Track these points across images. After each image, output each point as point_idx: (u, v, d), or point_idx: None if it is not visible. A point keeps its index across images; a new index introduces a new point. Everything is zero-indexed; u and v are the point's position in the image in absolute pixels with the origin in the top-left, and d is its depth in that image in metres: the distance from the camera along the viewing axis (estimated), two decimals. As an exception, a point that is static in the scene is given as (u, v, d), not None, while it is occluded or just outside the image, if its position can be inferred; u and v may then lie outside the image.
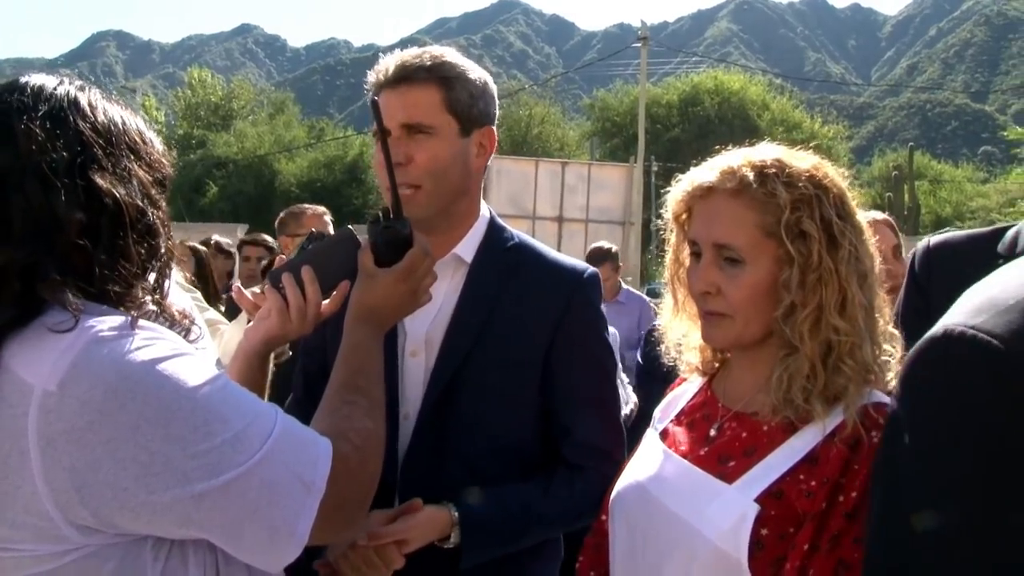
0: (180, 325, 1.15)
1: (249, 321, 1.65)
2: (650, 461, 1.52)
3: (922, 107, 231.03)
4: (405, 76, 1.61)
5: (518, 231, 1.82)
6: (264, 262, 5.14)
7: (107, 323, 1.03)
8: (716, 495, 1.35)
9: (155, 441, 0.99)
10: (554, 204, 14.60)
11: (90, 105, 1.13)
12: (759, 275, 1.38)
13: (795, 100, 48.79)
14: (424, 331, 1.68)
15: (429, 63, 1.62)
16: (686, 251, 1.51)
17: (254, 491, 1.05)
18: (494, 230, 1.77)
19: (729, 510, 1.32)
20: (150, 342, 1.04)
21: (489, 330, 1.66)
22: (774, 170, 1.37)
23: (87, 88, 1.16)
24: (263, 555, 1.10)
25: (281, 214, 4.42)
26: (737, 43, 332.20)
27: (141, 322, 1.06)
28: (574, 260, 1.82)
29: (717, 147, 1.48)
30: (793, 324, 1.35)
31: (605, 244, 5.78)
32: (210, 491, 1.02)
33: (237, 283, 1.72)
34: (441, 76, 1.62)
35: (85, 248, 1.05)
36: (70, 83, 1.15)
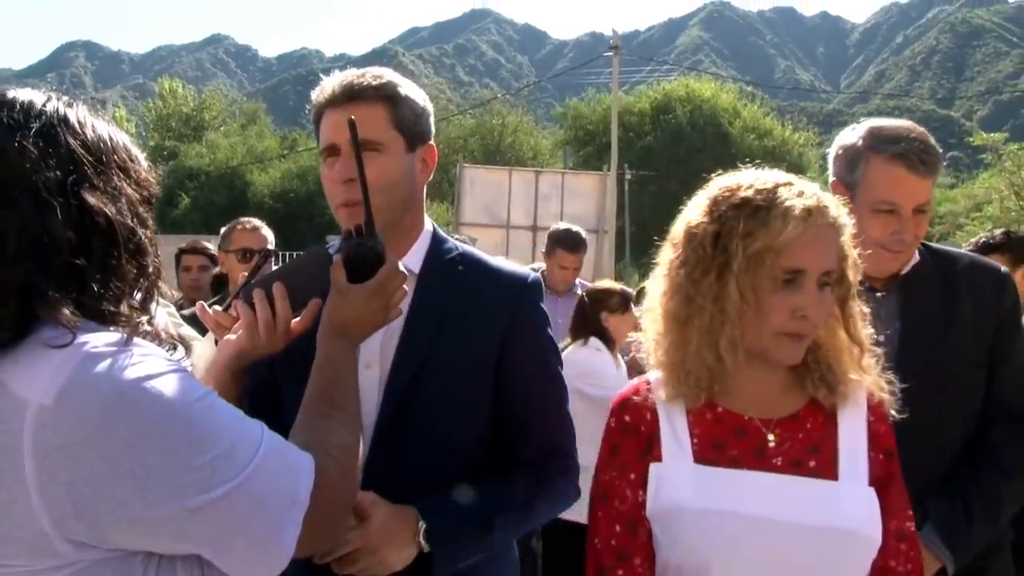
0: (166, 344, 1.16)
1: (216, 340, 1.64)
2: (731, 489, 1.49)
3: (890, 113, 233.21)
4: (352, 95, 1.65)
5: (458, 241, 1.88)
6: (212, 272, 5.03)
7: (102, 339, 1.04)
8: (836, 493, 1.49)
9: (151, 456, 1.00)
10: (528, 213, 14.66)
11: (79, 122, 1.13)
12: (831, 295, 1.52)
13: (766, 107, 49.23)
14: (377, 344, 1.68)
15: (375, 83, 1.67)
16: (750, 275, 1.47)
17: (244, 505, 1.07)
18: (437, 241, 1.80)
19: (858, 501, 1.48)
20: (143, 358, 1.05)
21: (440, 339, 1.69)
22: (831, 199, 1.54)
23: (75, 104, 1.16)
24: (251, 568, 1.12)
25: (222, 229, 4.41)
26: (708, 51, 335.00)
27: (132, 339, 1.07)
28: (516, 266, 1.88)
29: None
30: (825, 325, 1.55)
31: (575, 227, 5.11)
32: (204, 506, 1.03)
33: (201, 302, 1.72)
34: (387, 95, 1.67)
35: (79, 267, 1.05)
36: (58, 99, 1.15)
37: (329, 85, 1.69)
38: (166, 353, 1.12)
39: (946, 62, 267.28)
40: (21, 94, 1.12)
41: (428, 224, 1.82)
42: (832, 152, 2.18)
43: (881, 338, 1.91)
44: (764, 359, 1.53)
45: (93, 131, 1.14)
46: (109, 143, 1.16)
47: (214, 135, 49.34)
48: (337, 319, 1.42)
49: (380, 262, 1.43)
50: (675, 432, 1.56)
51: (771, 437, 1.53)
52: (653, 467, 1.55)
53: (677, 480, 1.52)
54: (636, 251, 41.39)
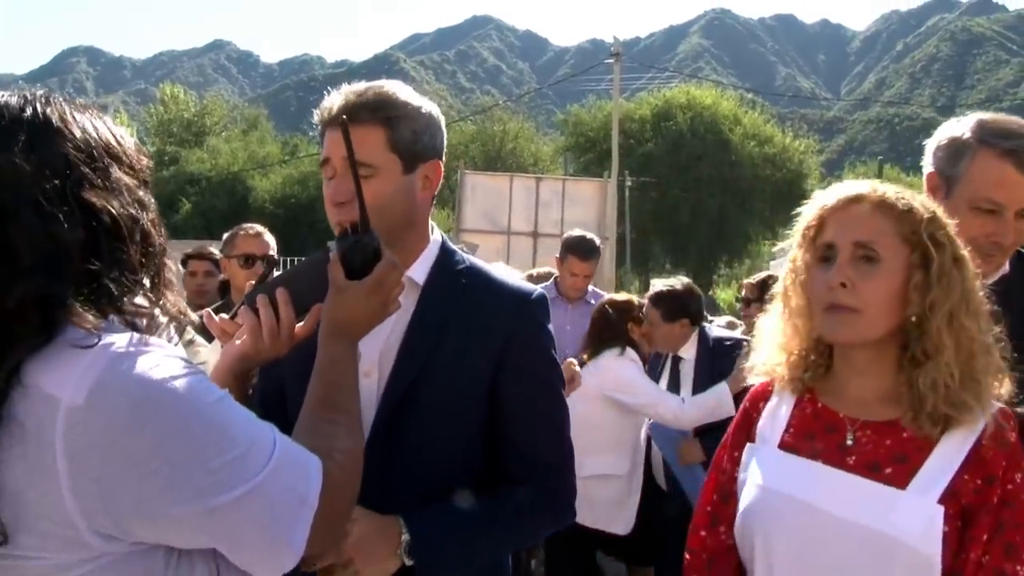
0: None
1: (222, 345, 1.64)
2: (794, 474, 1.59)
3: (890, 121, 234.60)
4: (348, 116, 1.59)
5: (466, 253, 1.86)
6: (218, 277, 5.03)
7: (125, 340, 1.07)
8: (896, 501, 1.47)
9: (175, 456, 1.04)
10: (529, 219, 14.68)
11: (63, 120, 1.12)
12: (892, 274, 1.51)
13: (766, 114, 49.13)
14: (378, 351, 1.68)
15: (372, 102, 1.63)
16: (807, 258, 1.63)
17: (259, 505, 1.10)
18: (446, 253, 1.78)
19: (917, 514, 1.44)
20: (164, 360, 1.08)
21: (439, 351, 1.67)
22: (909, 194, 1.57)
23: (52, 100, 1.15)
24: (263, 564, 1.15)
25: (225, 235, 4.41)
26: (708, 58, 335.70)
27: (151, 339, 1.10)
28: (522, 282, 1.85)
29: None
30: (929, 327, 1.50)
31: (588, 234, 5.02)
32: (222, 505, 1.06)
33: (208, 310, 1.72)
34: (385, 116, 1.63)
35: (92, 269, 1.07)
36: (34, 99, 1.13)
37: (329, 103, 1.66)
38: (182, 350, 1.15)
39: (946, 70, 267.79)
40: (2, 103, 1.11)
41: (437, 235, 1.80)
42: (932, 143, 2.04)
43: None
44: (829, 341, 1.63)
45: (79, 128, 1.14)
46: (96, 135, 1.15)
47: (215, 140, 49.39)
48: (337, 318, 1.42)
49: (377, 257, 1.43)
50: (775, 420, 1.69)
51: (849, 436, 1.57)
52: (748, 447, 1.71)
53: (756, 460, 1.67)
54: (636, 258, 41.42)
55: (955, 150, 1.95)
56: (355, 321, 1.43)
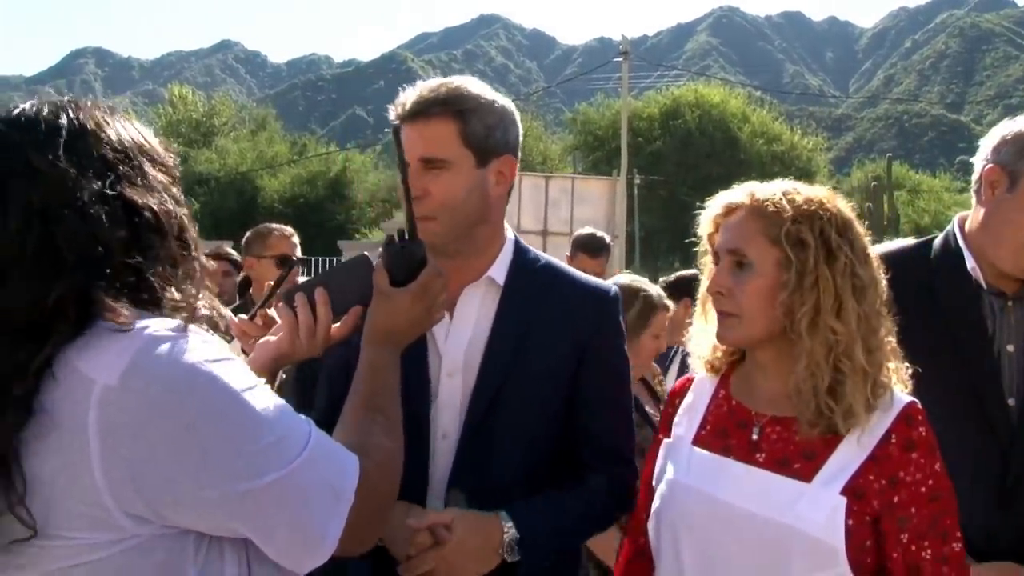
0: (212, 320, 1.21)
1: (243, 348, 1.65)
2: (703, 470, 1.63)
3: (899, 118, 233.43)
4: (421, 111, 1.63)
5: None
6: (235, 278, 4.99)
7: (162, 324, 1.09)
8: (800, 494, 1.50)
9: (208, 438, 1.06)
10: (538, 218, 14.66)
11: (97, 124, 1.17)
12: (763, 277, 1.56)
13: (774, 112, 48.94)
14: (461, 353, 1.72)
15: (444, 96, 1.64)
16: (712, 265, 1.68)
17: (292, 494, 1.11)
18: (520, 252, 1.81)
19: (820, 505, 1.47)
20: (202, 344, 1.10)
21: (524, 350, 1.72)
22: (784, 191, 1.59)
23: (82, 105, 1.19)
24: (294, 556, 1.15)
25: (248, 233, 4.34)
26: (716, 56, 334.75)
27: (189, 326, 1.12)
28: (597, 280, 1.89)
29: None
30: (793, 323, 1.52)
31: (599, 232, 5.12)
32: (252, 491, 1.08)
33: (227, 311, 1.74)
34: (457, 109, 1.64)
35: (133, 265, 1.11)
36: (65, 106, 1.17)
37: (404, 98, 1.67)
38: (220, 340, 1.17)
39: (955, 66, 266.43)
40: (28, 110, 1.15)
41: (510, 233, 1.82)
42: (994, 137, 2.02)
43: (1010, 348, 1.89)
44: None
45: (114, 131, 1.18)
46: (128, 136, 1.20)
47: (224, 141, 49.38)
48: (380, 324, 1.43)
49: (422, 265, 1.44)
50: (691, 416, 1.74)
51: (755, 431, 1.60)
52: (664, 443, 1.76)
53: (669, 456, 1.71)
54: (646, 256, 41.33)
55: None
56: (399, 328, 1.44)
